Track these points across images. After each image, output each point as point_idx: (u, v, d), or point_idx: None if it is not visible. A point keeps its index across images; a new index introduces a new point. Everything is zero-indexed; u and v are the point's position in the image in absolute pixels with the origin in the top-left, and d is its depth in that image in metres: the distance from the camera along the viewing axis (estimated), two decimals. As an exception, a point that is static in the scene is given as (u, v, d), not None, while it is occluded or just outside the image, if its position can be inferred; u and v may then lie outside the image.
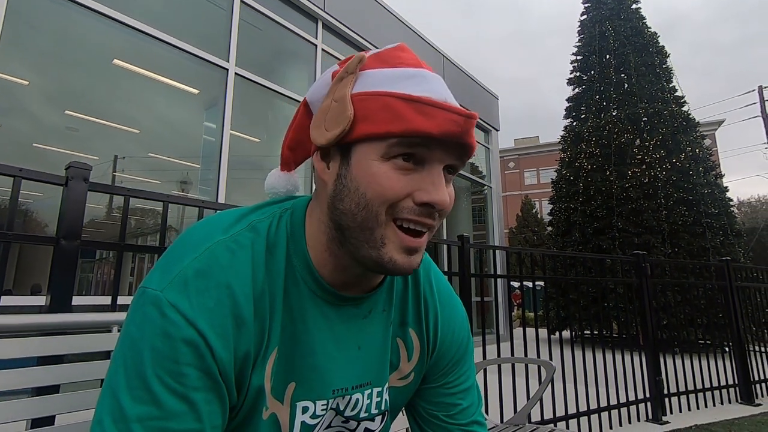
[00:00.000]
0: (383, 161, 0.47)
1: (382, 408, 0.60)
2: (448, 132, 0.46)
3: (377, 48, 0.56)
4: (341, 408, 0.56)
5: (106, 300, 1.43)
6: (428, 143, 0.47)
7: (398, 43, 0.55)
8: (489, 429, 1.76)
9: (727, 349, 4.43)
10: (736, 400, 4.03)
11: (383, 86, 0.48)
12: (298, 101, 5.71)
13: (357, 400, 0.57)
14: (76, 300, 1.27)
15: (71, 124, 4.12)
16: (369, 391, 0.58)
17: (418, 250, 0.50)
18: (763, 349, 4.55)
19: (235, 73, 4.82)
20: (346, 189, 0.49)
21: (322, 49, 5.96)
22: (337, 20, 6.13)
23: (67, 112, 4.07)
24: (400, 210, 0.47)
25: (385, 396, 0.60)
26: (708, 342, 5.63)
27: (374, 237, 0.48)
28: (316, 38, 5.94)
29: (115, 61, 4.21)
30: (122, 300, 1.43)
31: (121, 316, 0.95)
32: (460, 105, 0.50)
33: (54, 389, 0.90)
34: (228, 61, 4.78)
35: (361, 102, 0.48)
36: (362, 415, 0.58)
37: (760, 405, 3.90)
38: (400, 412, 0.90)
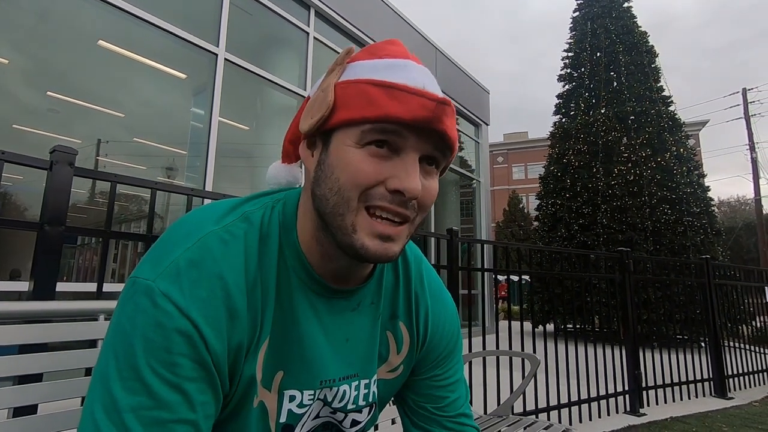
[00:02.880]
0: (358, 147, 0.47)
1: (370, 400, 0.61)
2: (419, 117, 0.46)
3: (369, 37, 0.56)
4: (329, 399, 0.56)
5: (89, 287, 1.41)
6: (402, 130, 0.46)
7: (392, 38, 0.56)
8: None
9: (703, 344, 4.57)
10: (711, 394, 4.16)
11: (365, 75, 0.49)
12: (289, 89, 5.66)
13: (344, 391, 0.57)
14: (59, 286, 1.25)
15: (53, 105, 4.00)
16: (356, 382, 0.58)
17: (393, 238, 0.48)
18: (737, 344, 4.70)
19: (225, 59, 4.72)
20: (323, 174, 0.49)
21: (314, 38, 5.88)
22: (330, 8, 6.04)
23: (49, 93, 3.95)
24: (372, 197, 0.47)
25: (373, 388, 0.61)
26: (685, 337, 5.79)
27: (345, 223, 0.48)
28: (309, 26, 5.85)
29: (101, 42, 4.09)
30: (106, 287, 1.40)
31: (107, 304, 0.93)
32: (450, 98, 0.50)
33: (37, 378, 0.88)
34: (218, 46, 4.68)
35: (342, 90, 0.49)
36: (350, 406, 0.58)
37: (732, 398, 4.03)
38: (389, 404, 0.90)
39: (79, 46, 4.05)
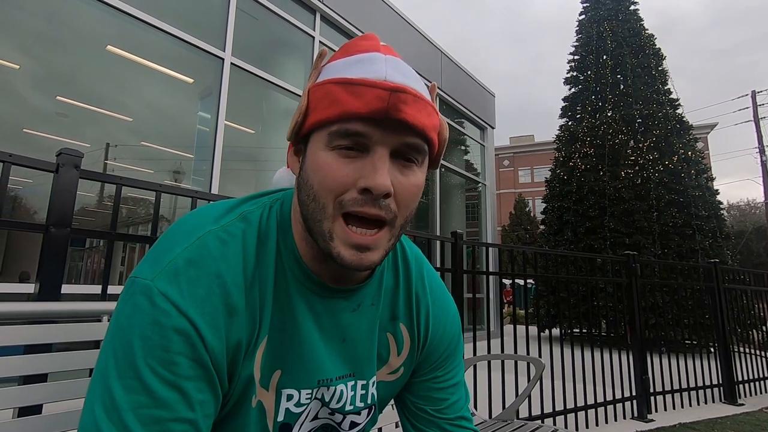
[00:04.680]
0: (328, 150, 0.47)
1: (368, 401, 0.60)
2: (375, 109, 0.45)
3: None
4: (326, 399, 0.56)
5: (96, 289, 1.42)
6: (364, 126, 0.45)
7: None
8: (477, 425, 1.77)
9: (712, 349, 4.50)
10: (720, 400, 4.10)
11: (333, 75, 0.49)
12: (295, 93, 5.69)
13: (341, 391, 0.57)
14: (66, 288, 1.26)
15: (62, 109, 4.05)
16: (353, 383, 0.58)
17: (369, 248, 0.47)
18: (747, 350, 4.63)
19: (231, 63, 4.77)
20: (302, 180, 0.50)
21: (320, 42, 5.91)
22: (335, 12, 6.07)
23: (58, 97, 4.01)
24: (346, 204, 0.46)
25: (372, 390, 0.60)
26: (694, 342, 5.71)
27: (323, 230, 0.47)
28: (314, 30, 5.89)
29: (109, 47, 4.14)
30: (112, 289, 1.42)
31: (111, 305, 0.94)
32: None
33: (42, 378, 0.89)
34: (224, 51, 4.72)
35: (313, 93, 0.49)
36: (347, 408, 0.58)
37: (742, 405, 3.97)
38: (390, 406, 0.90)
39: (88, 51, 4.11)
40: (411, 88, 0.47)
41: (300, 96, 4.73)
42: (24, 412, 0.86)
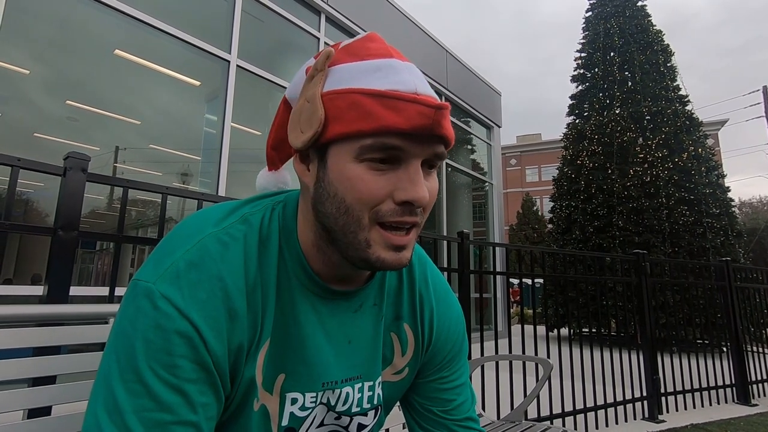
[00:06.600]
0: (357, 162, 0.46)
1: (375, 402, 0.60)
2: (419, 126, 0.45)
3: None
4: (332, 402, 0.56)
5: (105, 291, 1.43)
6: (401, 140, 0.45)
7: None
8: (486, 426, 1.76)
9: (724, 349, 4.44)
10: (733, 400, 4.04)
11: (352, 82, 0.47)
12: (300, 95, 5.71)
13: (347, 394, 0.57)
14: (75, 290, 1.27)
15: (72, 114, 4.10)
16: (360, 385, 0.58)
17: (405, 247, 0.49)
18: (760, 349, 4.56)
19: (237, 65, 4.80)
20: (325, 193, 0.48)
21: (325, 43, 5.93)
22: (340, 13, 6.09)
23: (68, 102, 4.06)
24: (383, 214, 0.46)
25: (378, 390, 0.60)
26: (706, 342, 5.63)
27: (358, 239, 0.47)
28: (319, 31, 5.91)
29: (117, 51, 4.19)
30: (120, 291, 1.43)
31: (117, 307, 0.95)
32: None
33: (50, 380, 0.90)
34: (230, 53, 4.75)
35: (331, 101, 0.47)
36: (354, 409, 0.58)
37: (756, 405, 3.91)
38: (396, 407, 0.90)
39: (97, 56, 4.16)
40: (446, 103, 0.47)
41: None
42: (33, 413, 0.87)
